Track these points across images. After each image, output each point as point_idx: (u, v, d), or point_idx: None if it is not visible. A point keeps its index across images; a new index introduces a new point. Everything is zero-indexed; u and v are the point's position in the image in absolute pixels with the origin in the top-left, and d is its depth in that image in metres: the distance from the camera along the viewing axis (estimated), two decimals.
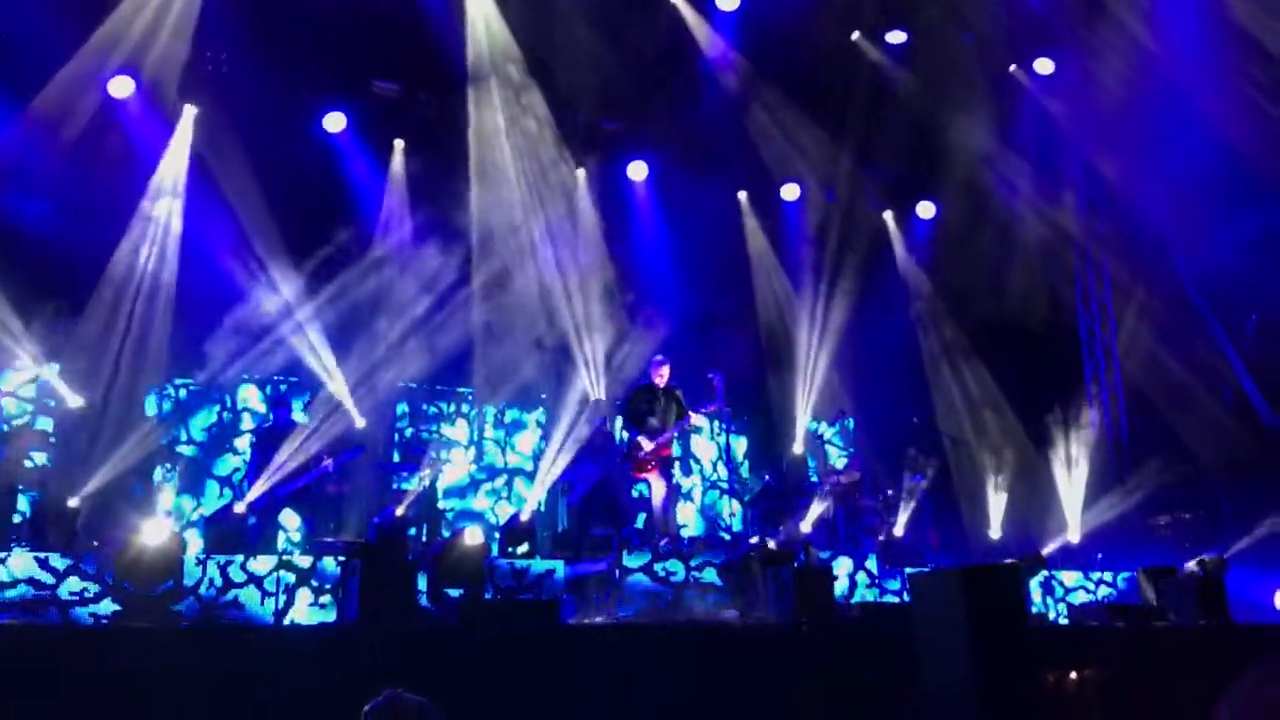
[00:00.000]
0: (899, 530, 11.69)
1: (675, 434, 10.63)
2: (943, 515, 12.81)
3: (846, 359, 13.75)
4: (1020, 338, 13.02)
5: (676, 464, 11.43)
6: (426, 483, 11.60)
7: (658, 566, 9.35)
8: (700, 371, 10.69)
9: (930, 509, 12.40)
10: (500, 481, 13.11)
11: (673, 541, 9.83)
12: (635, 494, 12.25)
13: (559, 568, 9.26)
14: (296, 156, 11.80)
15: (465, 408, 13.14)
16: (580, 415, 11.39)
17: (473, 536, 8.92)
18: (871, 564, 10.18)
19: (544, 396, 13.39)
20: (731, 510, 13.10)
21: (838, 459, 14.39)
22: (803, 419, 13.27)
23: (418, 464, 11.95)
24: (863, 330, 13.51)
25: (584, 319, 12.24)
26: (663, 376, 10.50)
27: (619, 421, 10.97)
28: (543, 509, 12.23)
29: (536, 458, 13.35)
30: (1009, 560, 8.52)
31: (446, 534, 10.40)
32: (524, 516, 10.44)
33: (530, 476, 12.85)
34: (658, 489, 10.36)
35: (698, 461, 14.08)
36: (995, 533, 12.79)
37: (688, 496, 13.99)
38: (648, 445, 10.42)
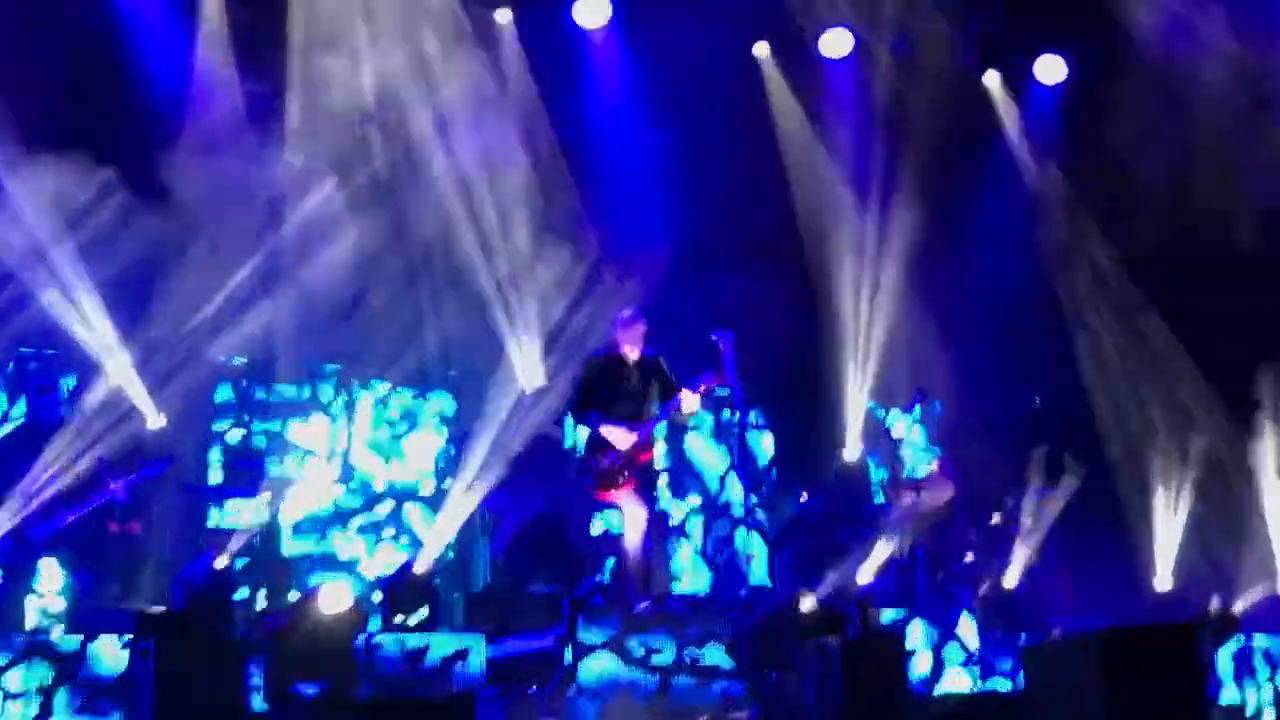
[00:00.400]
0: (1012, 578, 11.99)
1: (660, 422, 10.58)
2: (1082, 554, 12.94)
3: (927, 309, 13.87)
4: (1211, 271, 13.06)
5: (663, 478, 11.37)
6: (265, 515, 11.77)
7: (633, 642, 9.41)
8: (699, 333, 10.74)
9: (1062, 545, 12.56)
10: (383, 510, 13.39)
11: (657, 602, 9.82)
12: (599, 529, 12.40)
13: (476, 645, 9.39)
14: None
15: (326, 395, 13.38)
16: (514, 408, 11.62)
17: (336, 599, 8.92)
18: (969, 630, 10.33)
19: (452, 374, 13.48)
20: (750, 552, 13.12)
21: (917, 466, 14.53)
22: (858, 402, 13.55)
23: (251, 485, 12.13)
24: (954, 262, 13.74)
25: (511, 256, 12.52)
26: (635, 341, 10.45)
27: (570, 419, 10.96)
28: (451, 555, 12.55)
29: (441, 474, 13.49)
30: (1184, 622, 8.69)
31: (296, 596, 10.49)
32: (420, 566, 10.67)
33: (431, 503, 13.21)
34: (633, 518, 10.47)
35: (696, 475, 14.36)
36: (1164, 581, 12.96)
37: (681, 531, 14.04)
38: (619, 442, 10.34)
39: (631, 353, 10.56)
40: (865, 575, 11.45)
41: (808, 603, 9.54)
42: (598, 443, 10.39)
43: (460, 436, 12.19)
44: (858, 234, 13.77)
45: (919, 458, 15.15)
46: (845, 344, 13.71)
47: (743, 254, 13.89)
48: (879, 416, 14.64)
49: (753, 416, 14.81)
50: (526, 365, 12.47)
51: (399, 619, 10.21)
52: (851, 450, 13.70)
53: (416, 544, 12.77)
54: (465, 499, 11.46)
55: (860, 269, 13.74)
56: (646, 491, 10.54)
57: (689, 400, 10.33)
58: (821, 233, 14.03)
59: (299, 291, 12.25)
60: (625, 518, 10.49)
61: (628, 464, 10.29)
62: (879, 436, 14.24)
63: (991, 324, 13.94)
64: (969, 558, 12.20)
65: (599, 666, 9.34)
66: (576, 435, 10.79)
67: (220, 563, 10.67)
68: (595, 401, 10.40)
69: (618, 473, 10.29)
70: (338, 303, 12.49)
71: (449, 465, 13.24)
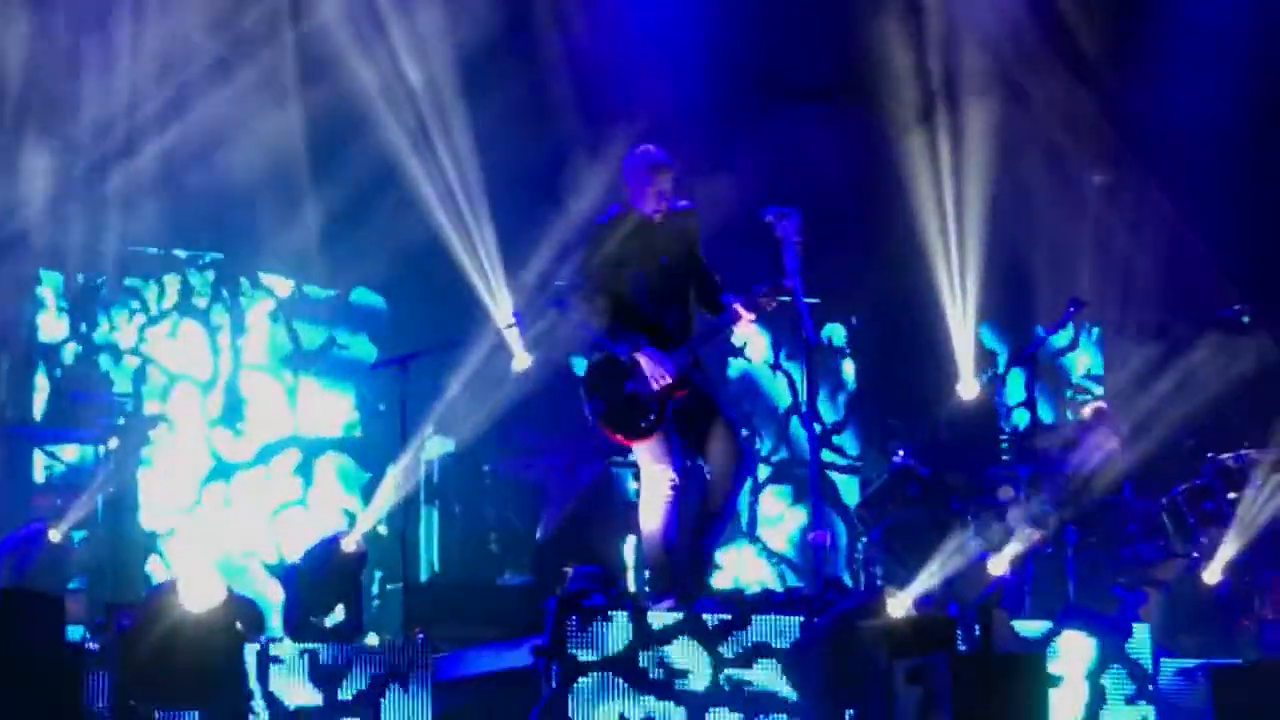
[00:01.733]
0: (1212, 575, 11.83)
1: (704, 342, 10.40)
2: None
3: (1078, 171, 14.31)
4: None
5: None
6: (113, 470, 11.81)
7: (649, 659, 9.37)
8: (741, 213, 10.80)
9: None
10: (284, 462, 13.53)
11: (684, 602, 9.89)
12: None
13: (420, 661, 9.58)
14: None
15: (202, 294, 13.58)
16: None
17: (205, 592, 8.88)
18: (1142, 645, 10.28)
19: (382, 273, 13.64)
20: (822, 529, 12.66)
21: (1074, 410, 14.53)
22: (969, 317, 13.68)
23: (92, 425, 12.17)
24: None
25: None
26: (663, 192, 10.41)
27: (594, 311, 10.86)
28: (383, 530, 12.49)
29: (370, 409, 13.73)
30: None
31: (155, 589, 10.19)
32: (349, 543, 10.98)
33: (358, 452, 13.51)
34: (653, 482, 10.38)
35: (747, 417, 14.54)
36: None
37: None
38: (656, 379, 10.19)
39: (659, 209, 10.41)
40: (998, 567, 11.48)
41: (900, 605, 9.45)
42: (616, 367, 10.26)
43: (400, 358, 12.12)
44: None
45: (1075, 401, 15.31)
46: (955, 232, 14.12)
47: (804, 94, 14.36)
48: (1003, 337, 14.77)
49: (828, 334, 14.87)
50: (490, 279, 12.90)
51: (313, 618, 10.50)
52: (968, 385, 13.89)
53: (348, 519, 13.15)
54: (417, 451, 11.80)
55: (977, 116, 14.26)
56: (675, 443, 10.40)
57: (745, 323, 10.32)
58: (918, 65, 14.52)
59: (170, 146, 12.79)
60: (643, 481, 10.42)
61: (658, 400, 10.18)
62: (1017, 366, 14.37)
63: (1184, 188, 14.37)
64: (1148, 543, 12.17)
65: (597, 694, 9.26)
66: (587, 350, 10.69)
67: (53, 537, 10.84)
68: (606, 289, 10.24)
69: (642, 412, 10.25)
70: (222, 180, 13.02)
71: (380, 396, 13.48)
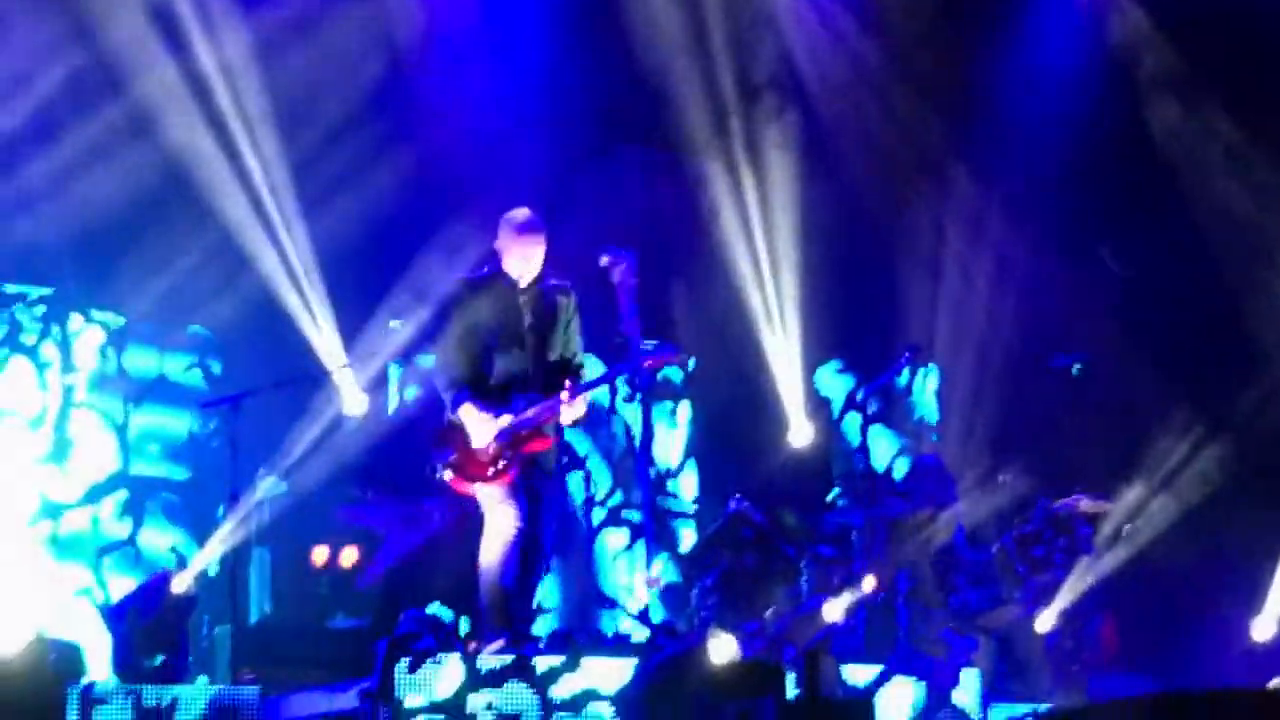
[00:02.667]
0: (1045, 621, 11.93)
1: (547, 415, 10.40)
2: (1145, 589, 13.05)
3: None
4: None
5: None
6: None
7: (479, 701, 9.37)
8: (576, 255, 10.76)
9: (1111, 577, 12.57)
10: (110, 506, 13.45)
11: (514, 643, 9.83)
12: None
13: (247, 705, 9.59)
14: None
15: (28, 330, 13.49)
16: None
17: (13, 636, 8.75)
18: (970, 691, 10.39)
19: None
20: (654, 575, 13.18)
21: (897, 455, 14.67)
22: (794, 362, 14.06)
23: None
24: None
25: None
26: (530, 256, 10.48)
27: (439, 370, 10.75)
28: (212, 571, 12.37)
29: (200, 449, 13.62)
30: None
31: None
32: (180, 584, 11.06)
33: (193, 495, 13.39)
34: (496, 524, 10.34)
35: (576, 462, 14.73)
36: (1266, 629, 12.98)
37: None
38: (476, 437, 10.19)
39: (525, 273, 10.43)
40: (834, 612, 11.53)
41: (724, 648, 9.41)
42: (453, 426, 10.25)
43: (232, 396, 12.04)
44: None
45: (894, 445, 15.41)
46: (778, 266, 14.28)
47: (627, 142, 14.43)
48: (842, 382, 14.98)
49: (670, 374, 14.92)
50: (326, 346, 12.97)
51: (137, 661, 10.47)
52: (800, 432, 13.95)
53: (169, 558, 13.08)
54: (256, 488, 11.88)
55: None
56: (527, 488, 10.39)
57: (569, 410, 10.26)
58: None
59: None
60: (486, 521, 10.35)
61: (508, 447, 10.18)
62: (855, 409, 14.49)
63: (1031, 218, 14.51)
64: (977, 587, 12.27)
65: None
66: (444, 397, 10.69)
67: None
68: (470, 349, 10.29)
69: (491, 459, 10.21)
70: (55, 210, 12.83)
71: (210, 437, 13.38)
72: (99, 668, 11.15)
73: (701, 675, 9.10)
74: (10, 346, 13.31)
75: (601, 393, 14.67)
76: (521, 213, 10.48)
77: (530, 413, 10.15)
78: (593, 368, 11.01)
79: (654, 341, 10.54)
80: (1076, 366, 13.43)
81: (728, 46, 14.46)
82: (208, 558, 11.89)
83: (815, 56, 14.76)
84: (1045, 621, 11.93)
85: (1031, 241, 14.74)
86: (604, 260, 10.32)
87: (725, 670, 9.18)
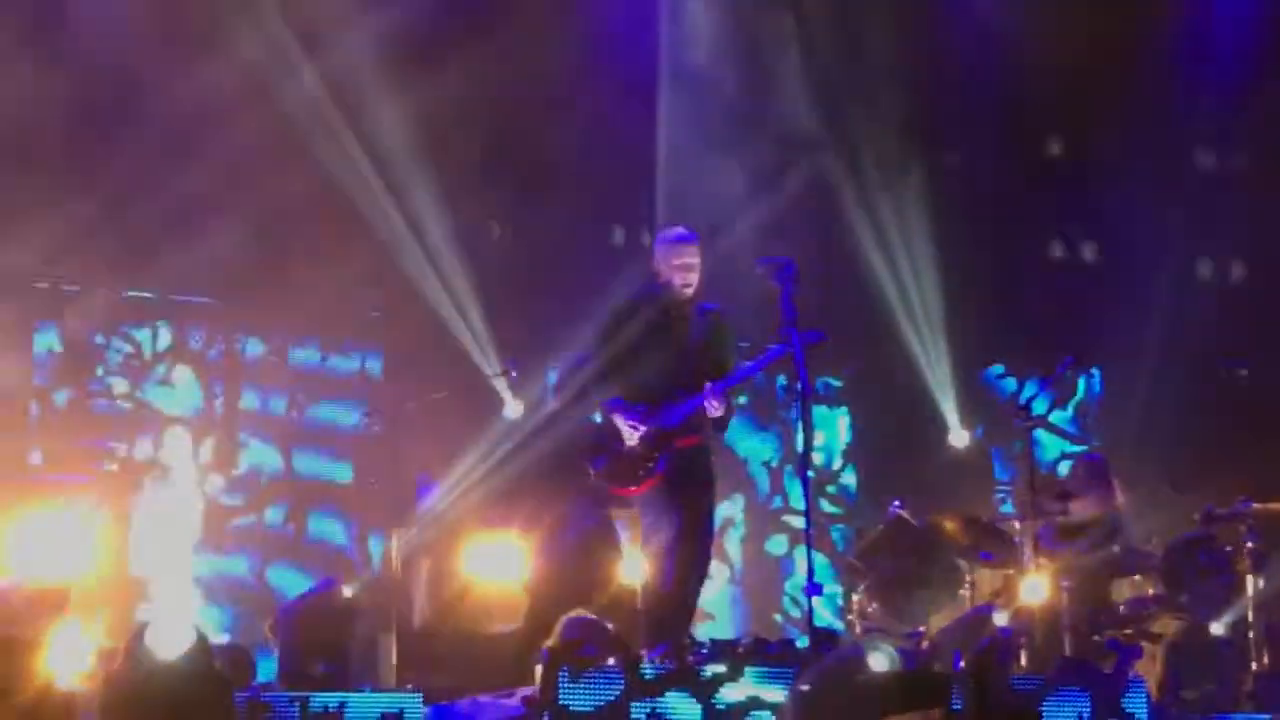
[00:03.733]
0: (1217, 628, 11.78)
1: (699, 405, 10.44)
2: None
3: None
4: None
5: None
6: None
7: (641, 710, 9.37)
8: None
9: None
10: (275, 510, 13.88)
11: (677, 652, 9.95)
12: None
13: (412, 709, 9.54)
14: None
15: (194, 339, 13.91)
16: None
17: (170, 637, 8.74)
18: (1139, 700, 10.26)
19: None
20: (815, 580, 12.95)
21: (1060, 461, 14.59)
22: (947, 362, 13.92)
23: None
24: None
25: None
26: (687, 272, 10.58)
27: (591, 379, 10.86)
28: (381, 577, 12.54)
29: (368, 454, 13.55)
30: None
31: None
32: (347, 590, 11.43)
33: (361, 500, 13.91)
34: (653, 528, 10.48)
35: (734, 466, 14.82)
36: None
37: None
38: (628, 437, 10.33)
39: (683, 289, 10.52)
40: (991, 620, 11.47)
41: (884, 658, 9.15)
42: (609, 428, 10.47)
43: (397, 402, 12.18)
44: None
45: (1058, 449, 15.30)
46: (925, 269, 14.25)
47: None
48: (1002, 384, 14.74)
49: (822, 385, 14.88)
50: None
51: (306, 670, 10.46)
52: (960, 435, 13.90)
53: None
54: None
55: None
56: (681, 491, 10.46)
57: (714, 407, 10.36)
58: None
59: None
60: (642, 531, 10.56)
61: (656, 449, 10.30)
62: (1004, 414, 14.28)
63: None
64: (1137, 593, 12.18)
65: None
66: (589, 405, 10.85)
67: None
68: (625, 364, 10.43)
69: (638, 463, 10.33)
70: None
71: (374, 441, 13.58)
72: (266, 673, 11.29)
73: (862, 686, 9.01)
74: (176, 355, 13.57)
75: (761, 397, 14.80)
76: (677, 229, 10.65)
77: (672, 412, 10.32)
78: None
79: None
80: (1244, 372, 13.32)
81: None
82: (375, 564, 11.91)
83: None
84: (1219, 627, 11.81)
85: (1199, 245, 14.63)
86: (761, 269, 10.30)
87: (889, 680, 9.04)
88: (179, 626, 8.87)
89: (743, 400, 14.45)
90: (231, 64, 12.84)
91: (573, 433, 12.04)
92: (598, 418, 10.60)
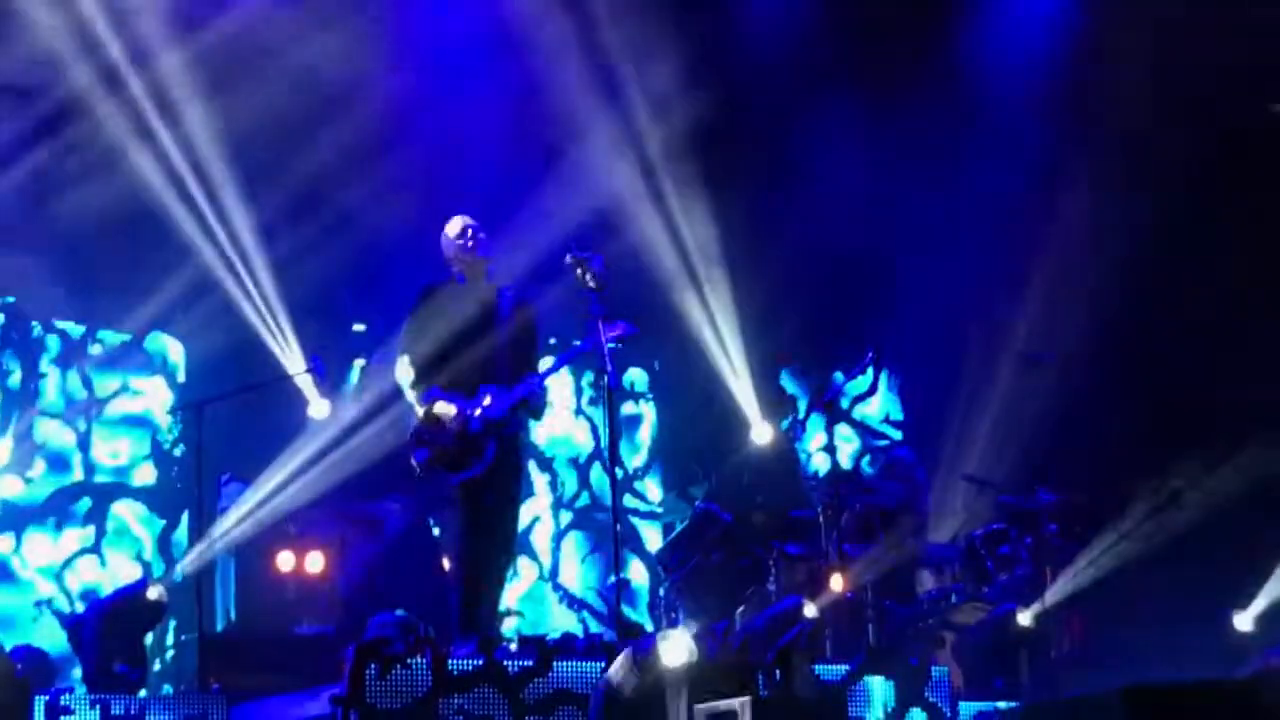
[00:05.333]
0: (1026, 617, 11.86)
1: (514, 402, 10.45)
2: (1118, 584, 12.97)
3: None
4: None
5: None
6: None
7: (449, 707, 9.30)
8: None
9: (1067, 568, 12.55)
10: (76, 510, 13.64)
11: (484, 648, 9.81)
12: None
13: (216, 713, 9.62)
14: None
15: None
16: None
17: None
18: (941, 688, 10.26)
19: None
20: (622, 575, 12.76)
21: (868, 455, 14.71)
22: (741, 364, 14.13)
23: None
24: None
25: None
26: (475, 261, 10.77)
27: (403, 372, 10.87)
28: (179, 576, 12.31)
29: (162, 457, 13.58)
30: (1249, 677, 8.89)
31: None
32: (154, 591, 10.99)
33: (158, 501, 13.49)
34: (472, 517, 10.47)
35: (544, 463, 14.93)
36: (1246, 620, 12.99)
37: (523, 540, 14.19)
38: (448, 419, 10.35)
39: (474, 276, 10.69)
40: (799, 611, 11.26)
41: (677, 647, 9.08)
42: (430, 415, 10.46)
43: (198, 402, 12.03)
44: None
45: (860, 443, 15.42)
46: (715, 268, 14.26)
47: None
48: (806, 379, 14.88)
49: (630, 379, 14.95)
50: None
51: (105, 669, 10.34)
52: (761, 430, 13.95)
53: (155, 567, 13.23)
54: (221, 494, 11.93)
55: None
56: (494, 483, 10.48)
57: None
58: None
59: None
60: (459, 519, 10.54)
61: (485, 436, 10.41)
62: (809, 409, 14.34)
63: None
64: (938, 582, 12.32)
65: None
66: (409, 394, 10.75)
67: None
68: (434, 353, 10.49)
69: (467, 451, 10.37)
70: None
71: (175, 444, 13.49)
72: (64, 677, 11.13)
73: (666, 676, 9.01)
74: None
75: (570, 395, 14.81)
76: (459, 221, 10.79)
77: (490, 401, 10.36)
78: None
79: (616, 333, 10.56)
80: (1045, 362, 13.47)
81: None
82: (183, 565, 11.83)
83: None
84: (1027, 617, 11.88)
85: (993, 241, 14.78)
86: (569, 259, 10.33)
87: (693, 671, 9.07)
88: None
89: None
90: None
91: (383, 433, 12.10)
92: (417, 410, 10.54)
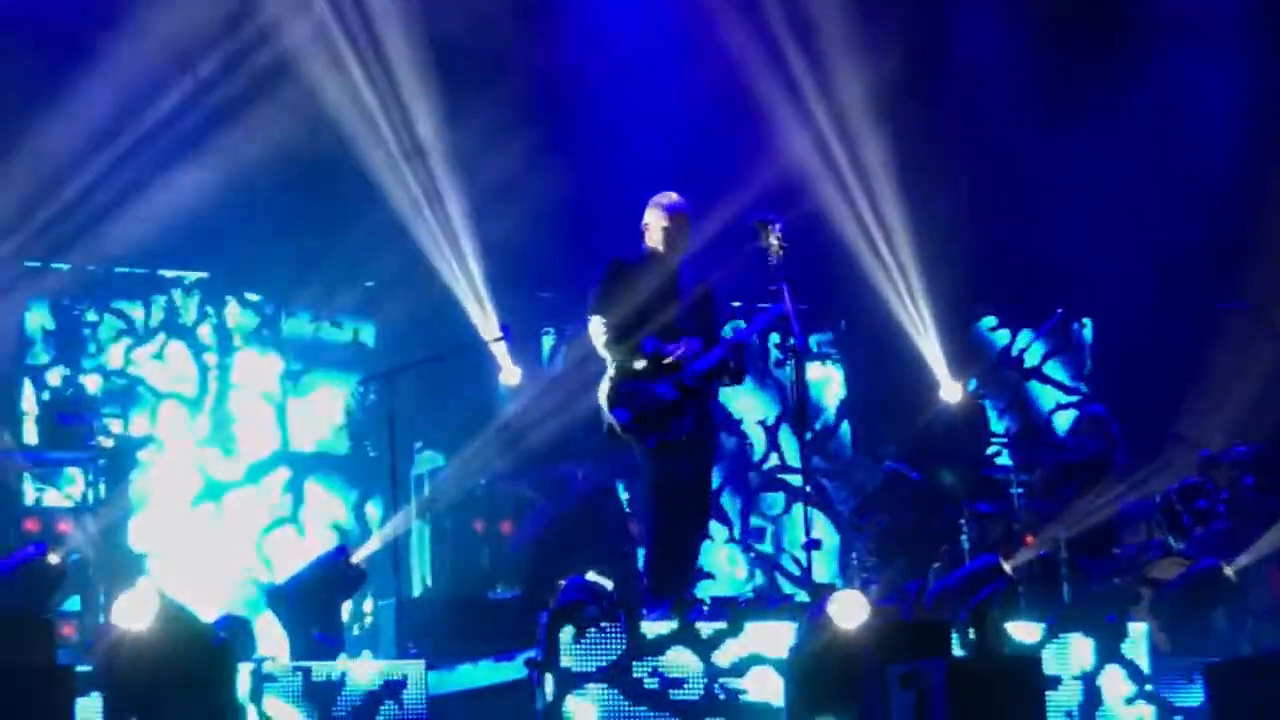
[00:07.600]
0: (1231, 571, 11.57)
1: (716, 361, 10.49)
2: None
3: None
4: None
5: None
6: (105, 497, 11.86)
7: (643, 669, 9.30)
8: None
9: None
10: (274, 481, 13.72)
11: (678, 610, 9.80)
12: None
13: (414, 676, 9.58)
14: None
15: (186, 313, 13.77)
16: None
17: (137, 606, 8.65)
18: (1139, 645, 10.15)
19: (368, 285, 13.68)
20: (811, 536, 12.97)
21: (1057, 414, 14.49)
22: (930, 322, 13.88)
23: (85, 452, 12.09)
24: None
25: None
26: (680, 239, 10.66)
27: (598, 331, 10.86)
28: (379, 546, 12.38)
29: (358, 427, 13.62)
30: None
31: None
32: (357, 558, 11.14)
33: (352, 472, 13.63)
34: (669, 480, 10.41)
35: (731, 426, 14.82)
36: None
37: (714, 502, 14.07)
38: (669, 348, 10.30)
39: (672, 254, 10.56)
40: (989, 570, 11.25)
41: (850, 608, 9.03)
42: (639, 379, 10.39)
43: (388, 371, 12.14)
44: None
45: (1052, 399, 15.28)
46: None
47: None
48: (994, 337, 14.74)
49: (814, 343, 14.86)
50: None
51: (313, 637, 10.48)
52: (951, 389, 13.88)
53: (352, 532, 13.41)
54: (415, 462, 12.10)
55: None
56: (694, 450, 10.46)
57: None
58: None
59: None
60: (652, 483, 10.47)
61: (686, 399, 10.35)
62: (999, 365, 14.37)
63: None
64: (1142, 546, 12.14)
65: (591, 705, 9.20)
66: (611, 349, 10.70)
67: (53, 559, 10.71)
68: (626, 316, 10.37)
69: (668, 413, 10.30)
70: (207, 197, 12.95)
71: (366, 416, 13.57)
72: (269, 645, 11.25)
73: (868, 636, 8.99)
74: (168, 330, 13.52)
75: (754, 356, 14.77)
76: (673, 198, 10.65)
77: (701, 357, 10.30)
78: None
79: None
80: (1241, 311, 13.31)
81: None
82: (387, 534, 11.87)
83: None
84: (1230, 571, 11.74)
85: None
86: (754, 223, 10.29)
87: (890, 632, 9.08)
88: (143, 597, 8.84)
89: None
90: None
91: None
92: (637, 364, 10.48)
